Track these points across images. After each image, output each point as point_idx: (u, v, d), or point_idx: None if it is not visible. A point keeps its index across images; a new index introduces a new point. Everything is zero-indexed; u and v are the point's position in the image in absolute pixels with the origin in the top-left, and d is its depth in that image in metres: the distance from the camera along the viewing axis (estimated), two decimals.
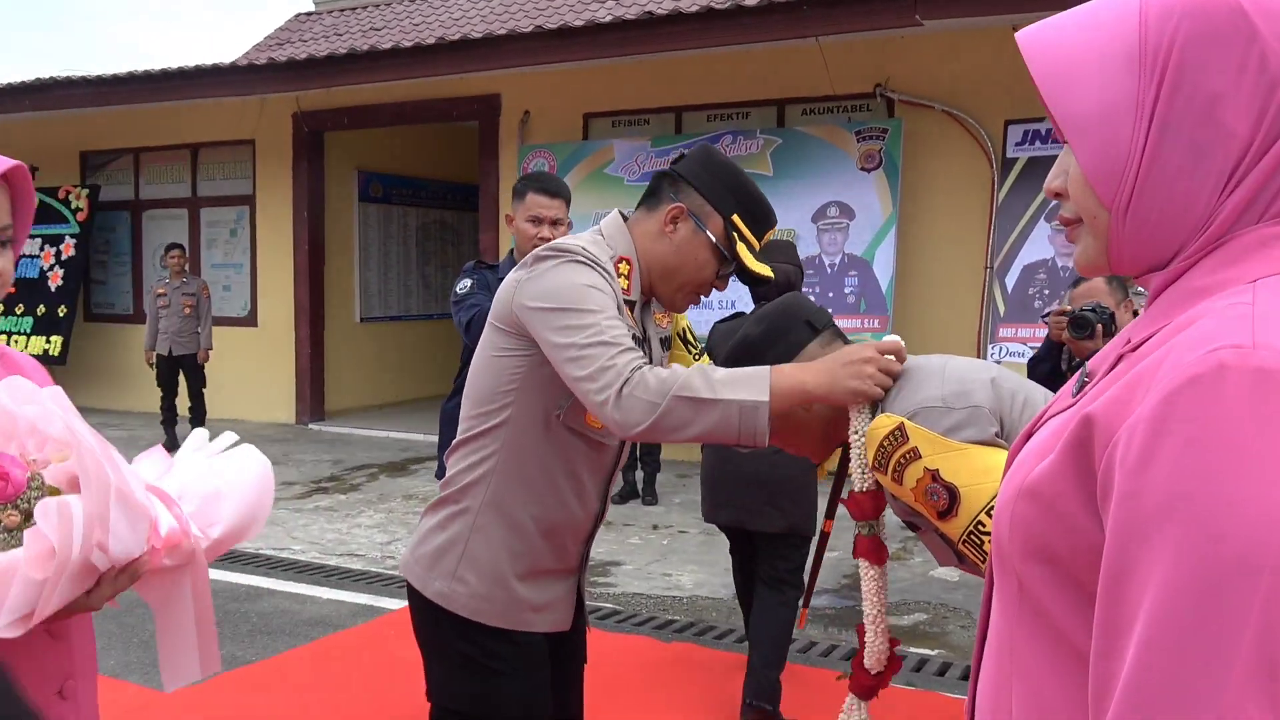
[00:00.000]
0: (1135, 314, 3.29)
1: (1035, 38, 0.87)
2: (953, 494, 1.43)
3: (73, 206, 10.91)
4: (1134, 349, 0.84)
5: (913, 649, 4.29)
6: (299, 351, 10.38)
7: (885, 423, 1.52)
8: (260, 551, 5.77)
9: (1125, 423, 0.74)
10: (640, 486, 7.08)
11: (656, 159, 8.26)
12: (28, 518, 1.03)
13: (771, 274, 1.95)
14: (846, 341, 1.78)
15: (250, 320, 10.70)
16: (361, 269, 11.20)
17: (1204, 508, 0.68)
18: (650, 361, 1.83)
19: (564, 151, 8.67)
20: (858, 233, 7.54)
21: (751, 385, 1.65)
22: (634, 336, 1.81)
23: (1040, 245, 7.13)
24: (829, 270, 7.63)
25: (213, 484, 1.27)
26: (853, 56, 7.70)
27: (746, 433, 1.65)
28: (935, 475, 1.45)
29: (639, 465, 7.07)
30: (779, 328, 1.79)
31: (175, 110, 10.39)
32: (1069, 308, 3.79)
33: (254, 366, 10.56)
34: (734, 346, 1.82)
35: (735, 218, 1.90)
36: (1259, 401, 0.69)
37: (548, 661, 1.98)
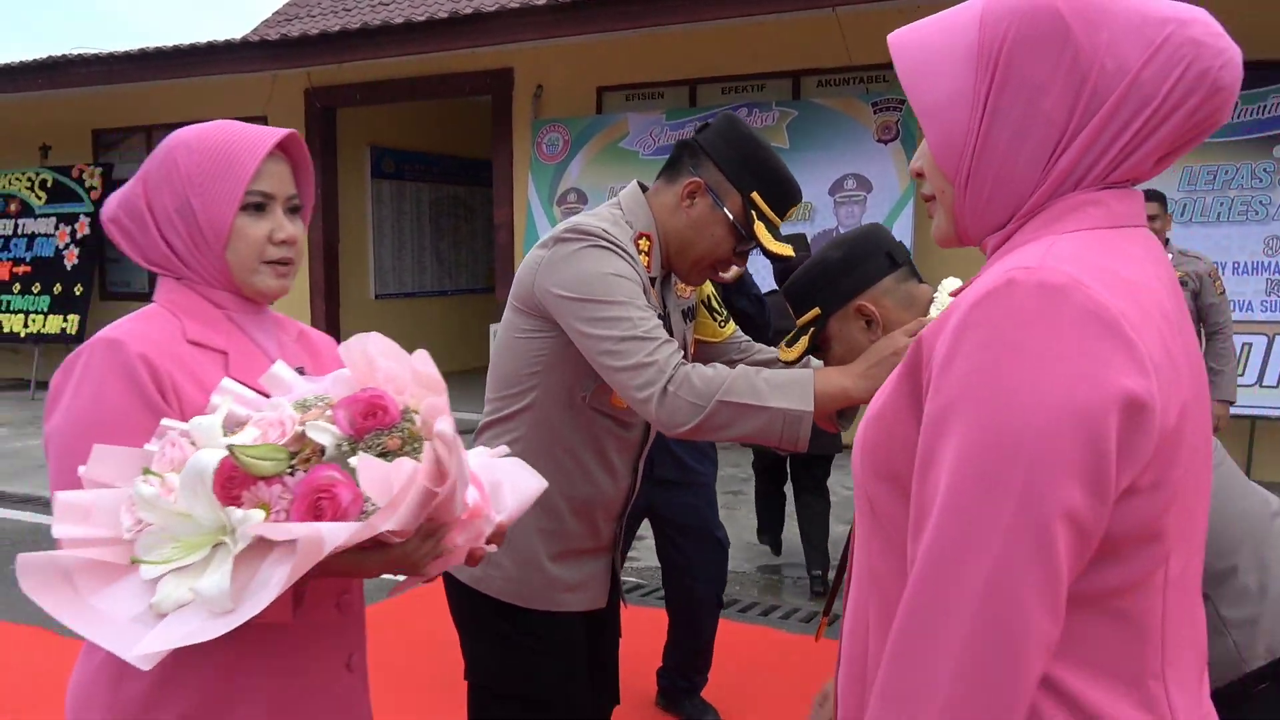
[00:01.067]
0: None
1: (902, 38, 1.01)
2: None
3: (87, 185, 10.91)
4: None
5: None
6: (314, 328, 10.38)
7: None
8: None
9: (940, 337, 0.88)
10: None
11: (671, 132, 8.19)
12: (403, 445, 1.08)
13: (793, 253, 1.90)
14: (921, 281, 1.77)
15: None
16: (375, 246, 11.19)
17: (987, 396, 0.82)
18: (672, 336, 1.81)
19: (578, 126, 8.61)
20: (875, 205, 7.48)
21: (795, 392, 1.65)
22: (658, 316, 1.78)
23: None
24: None
25: (495, 475, 1.28)
26: (868, 26, 7.61)
27: (789, 439, 1.67)
28: None
29: None
30: (858, 255, 1.76)
31: (186, 87, 10.35)
32: None
33: None
34: (809, 266, 1.79)
35: (755, 195, 1.83)
36: (1040, 307, 0.83)
37: (584, 639, 1.97)
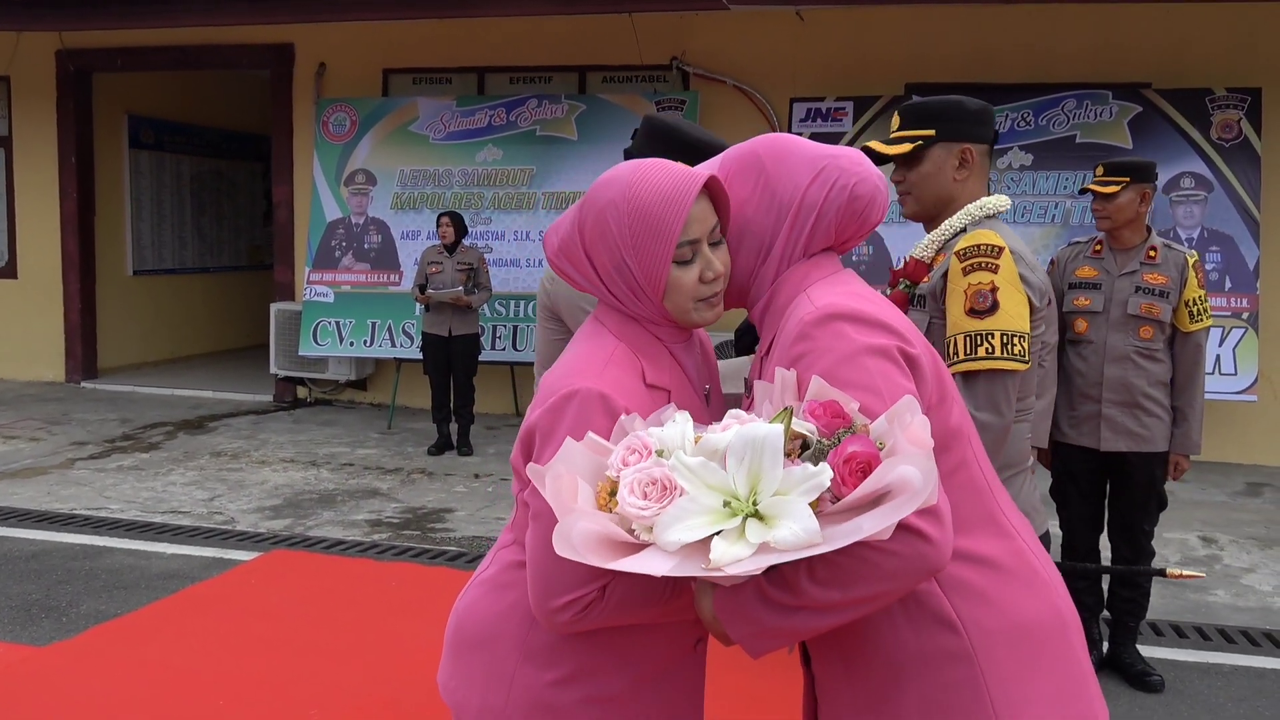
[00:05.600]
0: None
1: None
2: (995, 307, 2.06)
3: None
4: (767, 354, 1.45)
5: None
6: (68, 306, 9.76)
7: (992, 238, 2.12)
8: (75, 511, 5.62)
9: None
10: (455, 439, 7.33)
11: (463, 118, 8.41)
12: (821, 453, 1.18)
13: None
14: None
15: (9, 271, 9.95)
16: (134, 219, 10.63)
17: (824, 368, 1.30)
18: None
19: (365, 107, 8.64)
20: None
21: None
22: None
23: None
24: None
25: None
26: (651, 29, 8.15)
27: None
28: (995, 288, 2.06)
29: (454, 418, 7.31)
30: (988, 117, 2.32)
31: None
32: None
33: (14, 321, 9.86)
34: (942, 98, 2.33)
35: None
36: (822, 327, 1.33)
37: None
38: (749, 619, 1.24)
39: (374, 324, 8.35)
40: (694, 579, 1.24)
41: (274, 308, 8.85)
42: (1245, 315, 7.05)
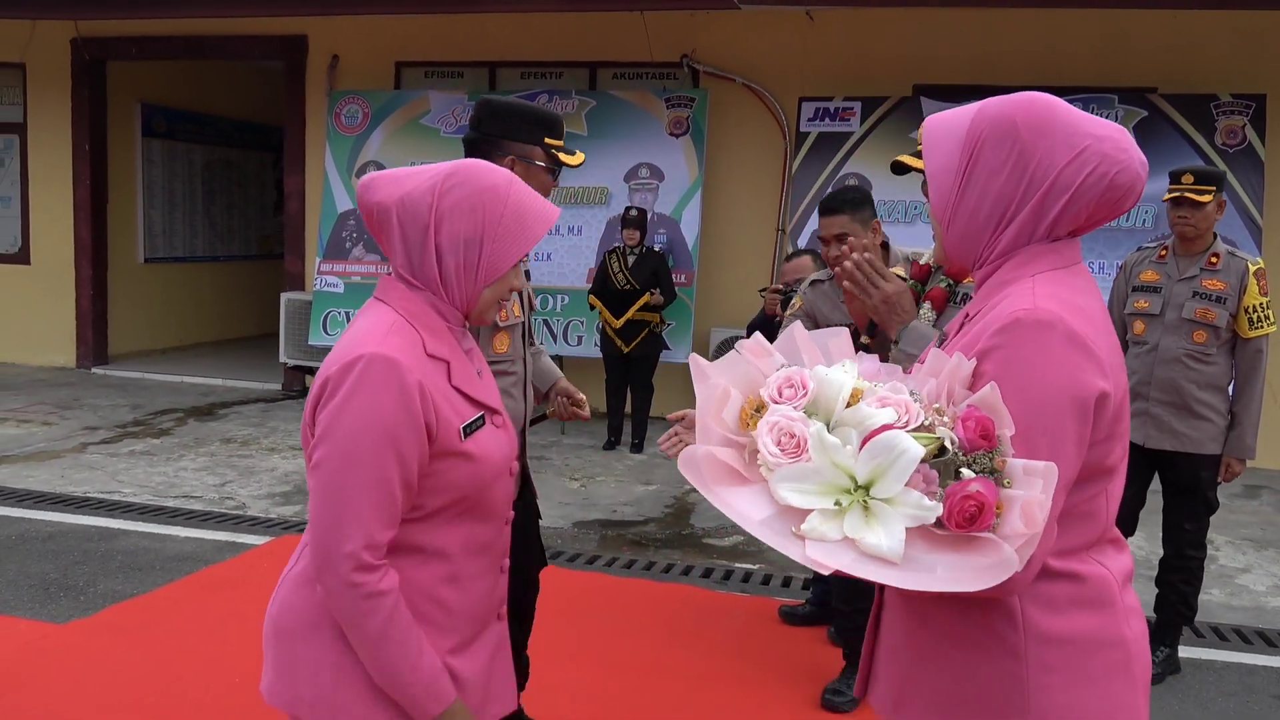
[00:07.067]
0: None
1: (930, 121, 1.47)
2: None
3: None
4: (972, 319, 1.42)
5: (737, 564, 4.95)
6: (80, 292, 9.86)
7: None
8: (89, 495, 5.71)
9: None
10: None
11: None
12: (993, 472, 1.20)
13: (582, 158, 2.60)
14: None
15: (22, 257, 10.05)
16: (145, 207, 10.72)
17: (1012, 390, 1.25)
18: (525, 292, 2.51)
19: (378, 100, 8.72)
20: (667, 193, 8.12)
21: None
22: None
23: None
24: None
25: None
26: (662, 27, 8.22)
27: None
28: None
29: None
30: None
31: None
32: (781, 285, 4.43)
33: (26, 307, 9.95)
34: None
35: (546, 139, 2.47)
36: (1035, 334, 1.28)
37: None
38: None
39: None
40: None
41: (284, 297, 8.93)
42: None
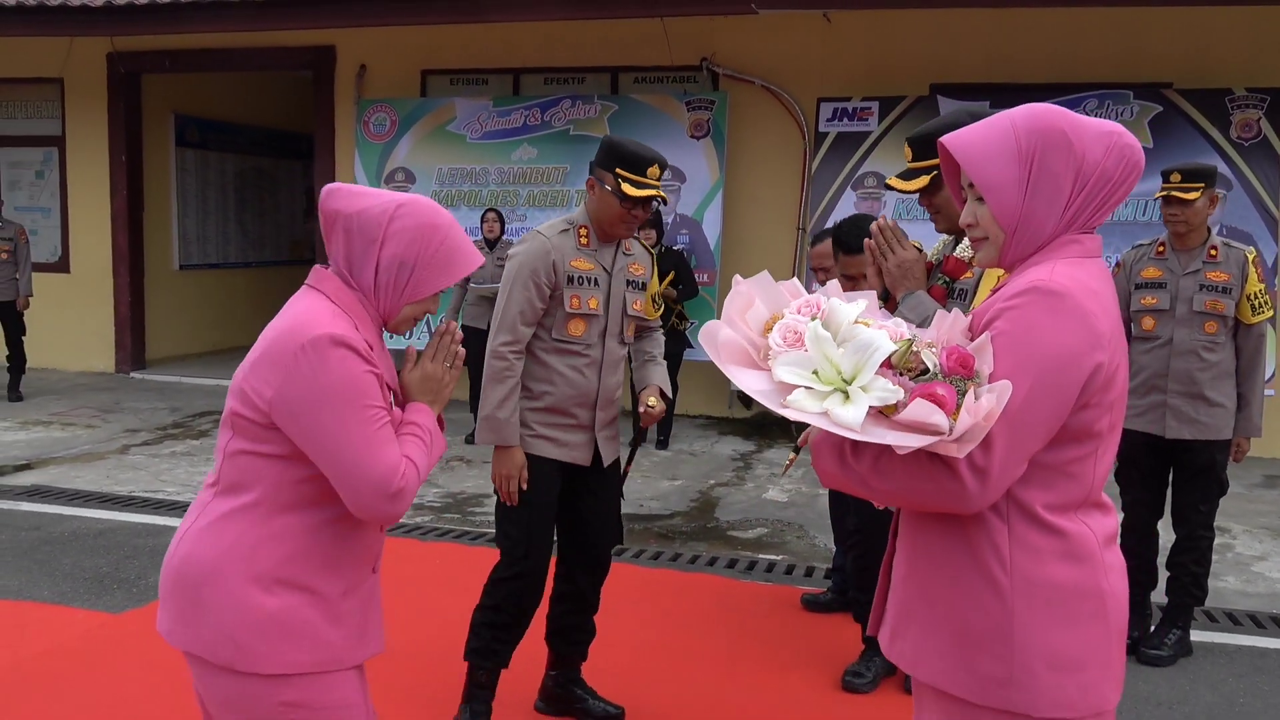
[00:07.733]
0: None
1: (958, 139, 1.61)
2: None
3: None
4: (997, 290, 1.58)
5: (761, 555, 5.09)
6: (118, 299, 10.13)
7: None
8: (134, 494, 5.93)
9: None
10: None
11: (499, 118, 8.68)
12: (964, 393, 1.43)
13: (657, 191, 3.04)
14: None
15: (62, 266, 10.33)
16: (180, 215, 10.99)
17: (1023, 344, 1.46)
18: (611, 293, 3.08)
19: (405, 107, 8.92)
20: (689, 195, 8.28)
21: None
22: (603, 270, 3.07)
23: (848, 211, 8.08)
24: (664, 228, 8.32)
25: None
26: (682, 31, 8.37)
27: None
28: None
29: None
30: None
31: None
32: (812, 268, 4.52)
33: (67, 314, 10.22)
34: (957, 121, 2.36)
35: (618, 170, 2.97)
36: (1046, 300, 1.47)
37: (556, 489, 3.07)
38: (829, 459, 1.56)
39: None
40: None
41: None
42: None
